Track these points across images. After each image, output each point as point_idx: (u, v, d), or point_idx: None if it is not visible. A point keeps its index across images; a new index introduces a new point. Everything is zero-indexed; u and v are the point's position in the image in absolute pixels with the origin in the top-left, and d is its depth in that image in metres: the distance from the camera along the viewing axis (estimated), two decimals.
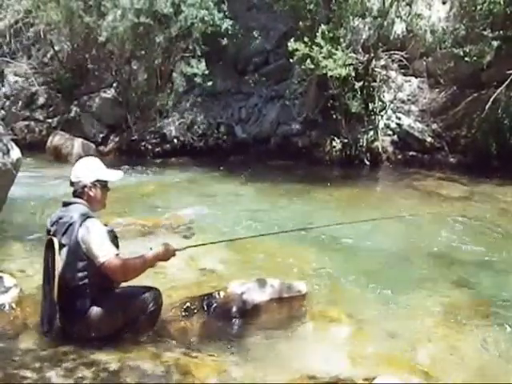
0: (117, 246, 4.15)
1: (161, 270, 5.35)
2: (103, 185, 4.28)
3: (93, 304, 4.05)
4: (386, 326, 4.67)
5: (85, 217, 4.03)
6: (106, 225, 4.22)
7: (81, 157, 12.10)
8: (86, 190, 4.19)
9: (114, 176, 4.37)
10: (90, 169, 4.26)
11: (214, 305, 4.66)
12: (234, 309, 4.65)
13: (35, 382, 3.59)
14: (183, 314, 4.59)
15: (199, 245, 4.74)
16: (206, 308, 4.65)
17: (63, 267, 3.98)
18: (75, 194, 4.22)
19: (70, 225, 4.00)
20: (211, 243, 4.80)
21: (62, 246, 3.99)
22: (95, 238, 3.98)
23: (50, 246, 4.03)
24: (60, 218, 4.08)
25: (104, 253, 3.95)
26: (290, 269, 5.87)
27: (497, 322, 4.78)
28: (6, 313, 4.43)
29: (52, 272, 3.98)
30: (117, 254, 4.00)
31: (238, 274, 5.58)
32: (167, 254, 4.16)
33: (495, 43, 10.97)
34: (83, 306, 4.03)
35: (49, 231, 4.13)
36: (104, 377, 3.67)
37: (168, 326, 4.45)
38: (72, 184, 4.24)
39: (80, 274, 3.99)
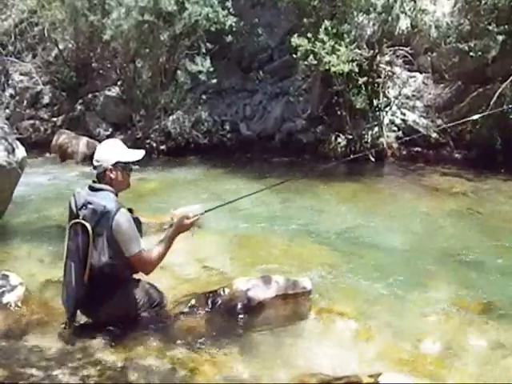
0: (140, 232, 4.30)
1: (166, 266, 5.37)
2: (123, 167, 4.33)
3: (117, 290, 4.24)
4: (391, 322, 4.66)
5: (117, 207, 4.12)
6: (130, 211, 4.29)
7: (85, 155, 12.19)
8: (107, 172, 4.27)
9: (134, 156, 4.42)
10: (110, 151, 4.32)
11: (219, 302, 4.66)
12: (239, 306, 4.64)
13: (41, 380, 3.61)
14: (188, 311, 4.59)
15: (215, 208, 4.73)
16: (210, 305, 4.65)
17: (95, 255, 4.08)
18: (98, 177, 4.30)
19: (104, 215, 4.08)
20: (229, 202, 4.83)
21: (95, 234, 4.08)
22: (126, 232, 4.12)
23: (81, 231, 4.10)
24: (89, 203, 4.14)
25: (133, 247, 4.13)
26: (295, 265, 5.87)
27: (504, 322, 4.76)
28: (12, 311, 4.46)
29: (84, 258, 4.06)
30: (143, 249, 4.18)
31: (242, 270, 5.59)
32: (186, 226, 4.35)
33: (500, 38, 10.90)
34: (109, 292, 4.19)
35: (75, 215, 4.17)
36: (110, 375, 3.69)
37: (173, 323, 4.46)
38: (95, 167, 4.31)
39: (111, 262, 4.12)
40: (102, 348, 3.98)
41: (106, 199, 4.15)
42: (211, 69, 12.81)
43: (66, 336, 4.14)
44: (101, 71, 14.94)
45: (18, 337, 4.21)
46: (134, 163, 4.42)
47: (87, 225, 4.07)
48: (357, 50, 11.88)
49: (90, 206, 4.12)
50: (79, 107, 14.90)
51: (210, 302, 4.67)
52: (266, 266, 5.77)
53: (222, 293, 4.73)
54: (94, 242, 4.07)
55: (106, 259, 4.09)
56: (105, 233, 4.08)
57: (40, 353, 3.93)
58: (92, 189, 4.24)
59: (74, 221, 4.16)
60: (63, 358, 3.87)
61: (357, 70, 11.55)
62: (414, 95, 12.79)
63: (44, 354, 3.91)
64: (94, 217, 4.09)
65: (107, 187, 4.24)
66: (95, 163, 4.30)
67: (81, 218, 4.12)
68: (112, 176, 4.27)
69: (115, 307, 4.21)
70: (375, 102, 12.46)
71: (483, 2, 11.29)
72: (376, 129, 12.48)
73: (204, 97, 13.98)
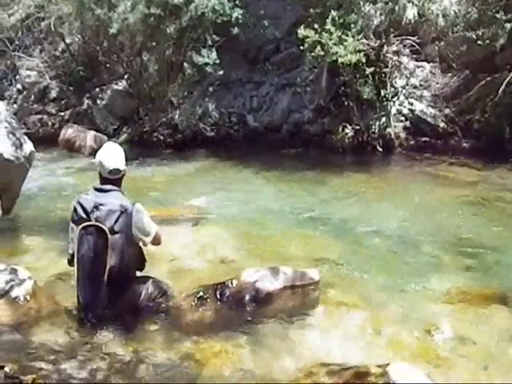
0: None
1: (174, 259, 5.39)
2: None
3: (131, 282, 4.38)
4: (399, 313, 4.66)
5: (132, 203, 4.22)
6: None
7: (93, 149, 12.20)
8: (122, 178, 4.36)
9: None
10: (122, 156, 4.37)
11: (227, 293, 4.66)
12: (247, 297, 4.65)
13: (50, 373, 3.62)
14: (196, 303, 4.59)
15: None
16: (219, 297, 4.65)
17: (114, 254, 4.12)
18: (114, 181, 4.30)
19: (122, 213, 4.14)
20: None
21: (113, 233, 4.11)
22: (146, 221, 4.26)
23: (96, 232, 4.12)
24: (101, 205, 4.15)
25: (153, 230, 4.31)
26: (303, 256, 5.88)
27: (509, 308, 4.75)
28: (21, 305, 4.45)
29: (103, 259, 4.10)
30: None
31: (250, 262, 5.58)
32: None
33: (508, 26, 10.81)
34: (126, 285, 4.30)
35: (86, 219, 4.16)
36: (118, 368, 3.71)
37: (181, 315, 4.46)
38: (111, 172, 4.28)
39: (128, 258, 4.22)
40: (110, 341, 3.99)
41: (120, 198, 4.22)
42: (218, 61, 12.78)
43: (75, 330, 4.16)
44: (107, 65, 14.92)
45: (27, 330, 4.22)
46: None
47: (103, 226, 4.09)
48: (364, 40, 11.83)
49: (103, 208, 4.13)
50: (86, 101, 14.89)
51: (218, 294, 4.67)
52: (274, 256, 5.77)
53: (230, 284, 4.73)
54: (112, 241, 4.10)
55: (125, 257, 4.17)
56: (125, 231, 4.14)
57: (49, 346, 3.95)
58: (101, 191, 4.25)
59: (85, 223, 4.14)
60: (72, 351, 3.89)
61: (364, 60, 11.49)
62: (421, 85, 12.70)
63: (52, 348, 3.93)
64: (110, 216, 4.12)
65: (115, 187, 4.28)
66: (121, 167, 4.30)
67: (93, 220, 4.13)
68: (122, 181, 4.38)
69: (131, 298, 4.32)
70: (382, 92, 12.40)
71: None
72: (383, 119, 12.42)
73: (211, 89, 13.93)
